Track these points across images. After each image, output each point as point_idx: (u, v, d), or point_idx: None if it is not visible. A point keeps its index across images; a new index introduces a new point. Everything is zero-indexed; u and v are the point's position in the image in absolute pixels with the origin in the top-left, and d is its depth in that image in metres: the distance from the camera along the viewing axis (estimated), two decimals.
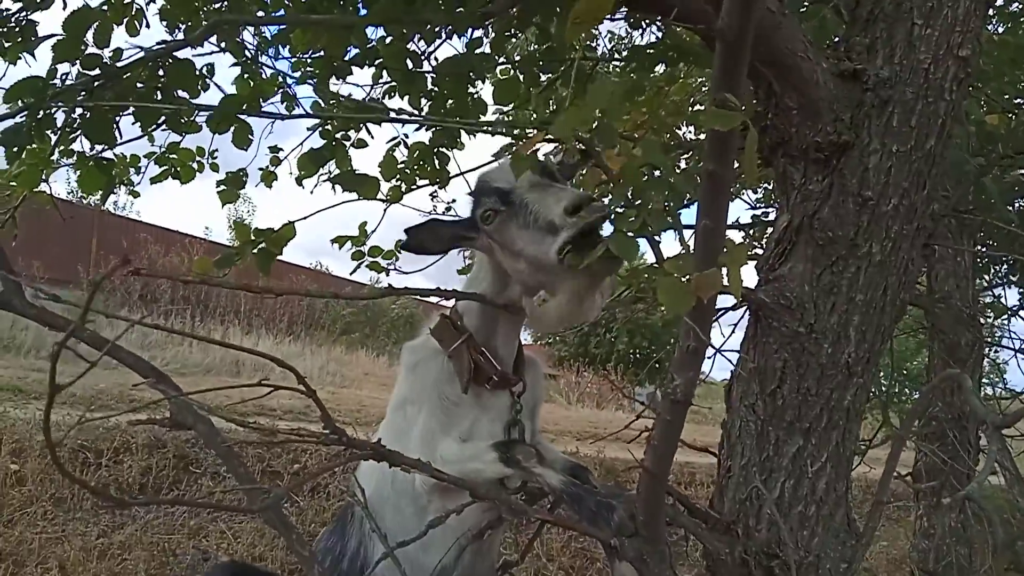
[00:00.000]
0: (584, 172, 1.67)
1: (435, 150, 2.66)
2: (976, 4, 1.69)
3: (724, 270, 1.11)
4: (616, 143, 1.43)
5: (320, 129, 2.47)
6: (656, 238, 1.36)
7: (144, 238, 16.81)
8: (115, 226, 17.58)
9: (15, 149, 2.27)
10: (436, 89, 2.48)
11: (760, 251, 2.03)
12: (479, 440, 1.86)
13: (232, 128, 2.42)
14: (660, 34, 2.79)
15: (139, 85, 2.18)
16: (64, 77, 2.04)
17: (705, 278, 1.07)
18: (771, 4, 1.60)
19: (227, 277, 2.10)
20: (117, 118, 2.16)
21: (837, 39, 1.88)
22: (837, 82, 1.70)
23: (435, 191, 3.61)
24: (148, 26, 2.22)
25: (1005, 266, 4.70)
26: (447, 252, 1.93)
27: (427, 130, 2.69)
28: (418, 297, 1.90)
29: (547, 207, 1.57)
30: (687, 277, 1.08)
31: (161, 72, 2.10)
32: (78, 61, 2.01)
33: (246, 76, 2.43)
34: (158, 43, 1.98)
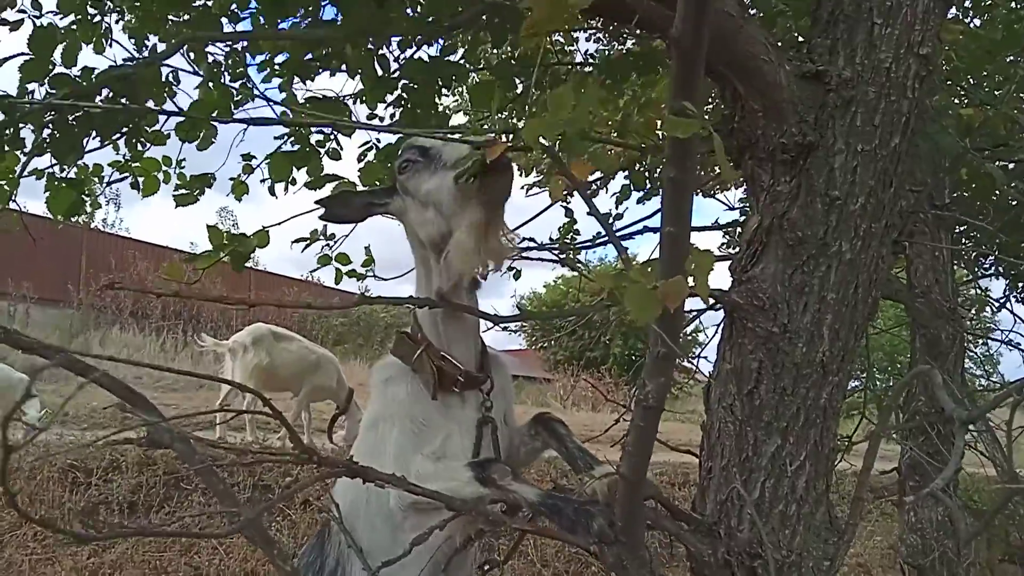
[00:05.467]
0: (549, 180, 1.67)
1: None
2: (935, 2, 1.70)
3: (691, 278, 1.10)
4: (584, 152, 1.42)
5: (295, 134, 2.46)
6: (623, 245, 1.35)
7: (133, 254, 16.82)
8: (104, 243, 17.63)
9: None
10: (405, 96, 2.47)
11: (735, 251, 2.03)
12: (453, 455, 1.83)
13: (201, 134, 2.41)
14: (634, 43, 2.79)
15: (102, 97, 2.17)
16: (31, 95, 2.02)
17: (671, 286, 1.07)
18: (731, 8, 1.60)
19: (215, 289, 2.10)
20: (85, 138, 2.14)
21: (802, 40, 1.89)
22: (800, 83, 1.70)
23: None
24: (112, 45, 2.20)
25: (991, 258, 4.69)
26: (362, 219, 2.00)
27: (393, 135, 2.69)
28: (393, 304, 1.91)
29: (456, 149, 1.67)
30: (654, 285, 1.08)
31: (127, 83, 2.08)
32: (46, 81, 2.00)
33: (211, 84, 2.40)
34: (125, 59, 1.96)
